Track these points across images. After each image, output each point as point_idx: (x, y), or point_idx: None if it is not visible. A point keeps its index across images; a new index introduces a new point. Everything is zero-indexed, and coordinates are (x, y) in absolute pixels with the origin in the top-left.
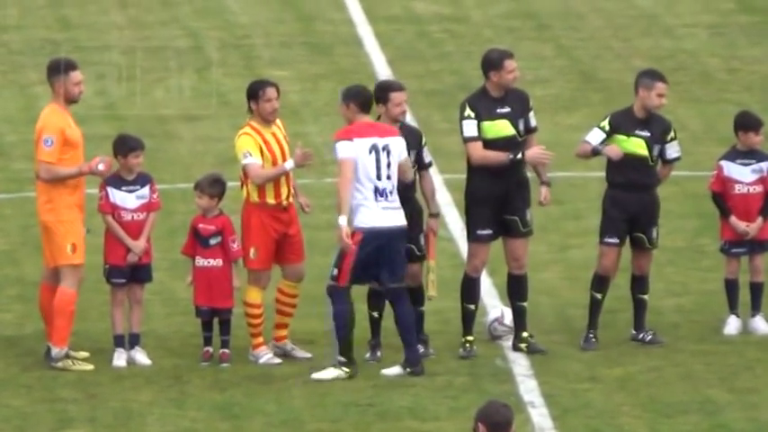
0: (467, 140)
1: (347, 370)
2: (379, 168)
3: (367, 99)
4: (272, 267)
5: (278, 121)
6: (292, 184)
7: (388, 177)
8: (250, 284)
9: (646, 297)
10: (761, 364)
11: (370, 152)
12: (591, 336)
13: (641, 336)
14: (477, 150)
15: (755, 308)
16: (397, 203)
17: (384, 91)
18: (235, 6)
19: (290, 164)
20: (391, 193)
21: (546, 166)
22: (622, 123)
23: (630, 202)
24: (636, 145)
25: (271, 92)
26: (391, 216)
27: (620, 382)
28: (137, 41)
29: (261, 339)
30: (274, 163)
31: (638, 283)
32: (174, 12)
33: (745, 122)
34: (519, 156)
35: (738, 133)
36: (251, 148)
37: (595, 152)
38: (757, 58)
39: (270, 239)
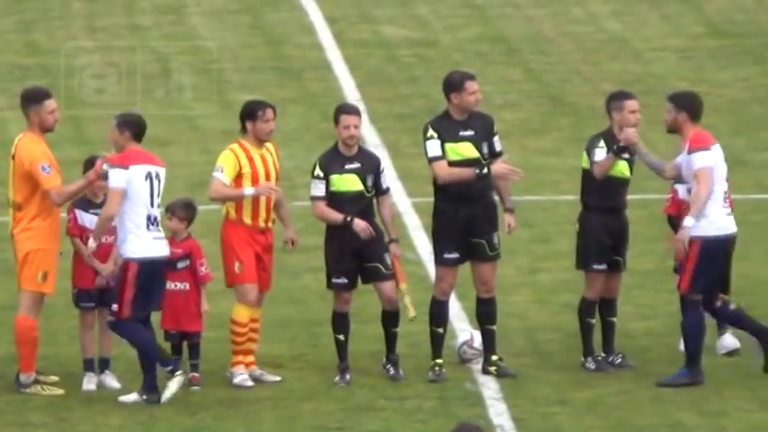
0: (432, 160)
1: (147, 396)
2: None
3: (141, 128)
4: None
5: (270, 145)
6: (282, 214)
7: (159, 206)
8: (238, 302)
9: (615, 320)
10: (730, 388)
11: (146, 179)
12: (597, 357)
13: (611, 359)
14: (443, 169)
15: (722, 327)
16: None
17: (336, 112)
18: (204, 31)
19: (249, 190)
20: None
21: (508, 190)
22: (609, 144)
23: (614, 225)
24: (622, 167)
25: (269, 112)
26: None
27: (590, 405)
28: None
29: (240, 358)
30: (255, 179)
31: (609, 306)
32: (142, 36)
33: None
34: (485, 170)
35: None
36: (226, 164)
37: (619, 151)
38: (725, 81)
39: (252, 253)
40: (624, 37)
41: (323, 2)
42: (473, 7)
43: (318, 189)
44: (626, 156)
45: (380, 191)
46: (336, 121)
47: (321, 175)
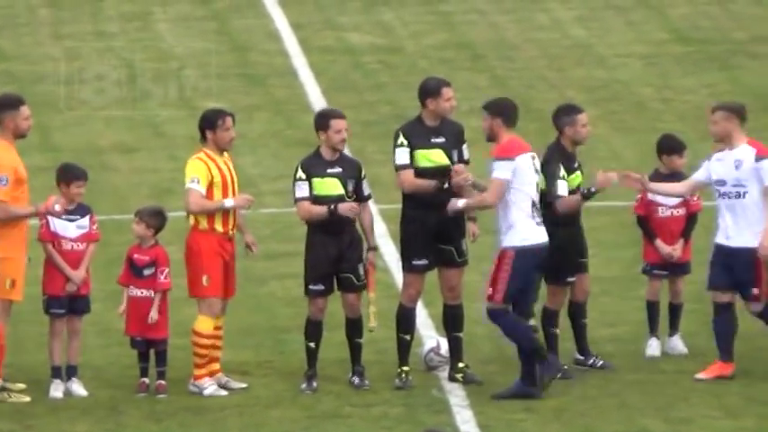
0: (398, 168)
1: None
2: None
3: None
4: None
5: (225, 153)
6: (239, 221)
7: None
8: (202, 313)
9: (587, 321)
10: (696, 394)
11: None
12: (563, 366)
13: (591, 361)
14: (408, 178)
15: (674, 328)
16: None
17: (324, 118)
18: (170, 38)
19: (229, 202)
20: None
21: (468, 191)
22: (564, 162)
23: (577, 233)
24: (578, 178)
25: (229, 121)
26: None
27: (556, 413)
28: (72, 73)
29: (205, 371)
30: (224, 188)
31: (580, 309)
32: (108, 43)
33: (669, 146)
34: (446, 185)
35: (662, 156)
36: (200, 174)
37: (587, 196)
38: (690, 87)
39: (220, 266)
40: (589, 43)
41: (288, 9)
42: (438, 14)
43: (302, 190)
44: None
45: (361, 197)
46: (325, 126)
47: (303, 176)
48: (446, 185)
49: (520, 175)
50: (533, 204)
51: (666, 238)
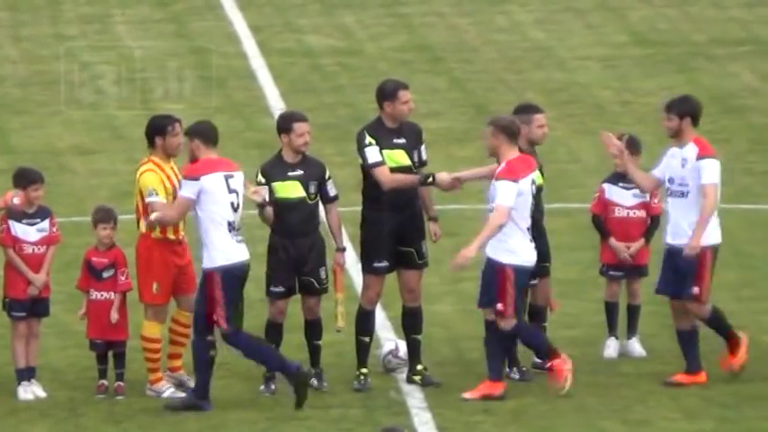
0: (374, 166)
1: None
2: None
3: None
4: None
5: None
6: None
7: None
8: (149, 319)
9: (546, 324)
10: (653, 396)
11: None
12: (521, 367)
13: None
14: (386, 174)
15: (632, 330)
16: None
17: (287, 121)
18: (129, 40)
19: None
20: None
21: (432, 199)
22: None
23: (541, 238)
24: (539, 179)
25: (178, 126)
26: None
27: (514, 415)
28: (30, 75)
29: (160, 374)
30: (175, 196)
31: (542, 312)
32: (67, 45)
33: (627, 146)
34: (430, 179)
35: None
36: (156, 185)
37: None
38: (650, 90)
39: (170, 274)
40: (548, 46)
41: (247, 11)
42: (397, 16)
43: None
44: None
45: (327, 199)
46: (287, 130)
47: (263, 181)
48: (429, 180)
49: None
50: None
51: (621, 240)
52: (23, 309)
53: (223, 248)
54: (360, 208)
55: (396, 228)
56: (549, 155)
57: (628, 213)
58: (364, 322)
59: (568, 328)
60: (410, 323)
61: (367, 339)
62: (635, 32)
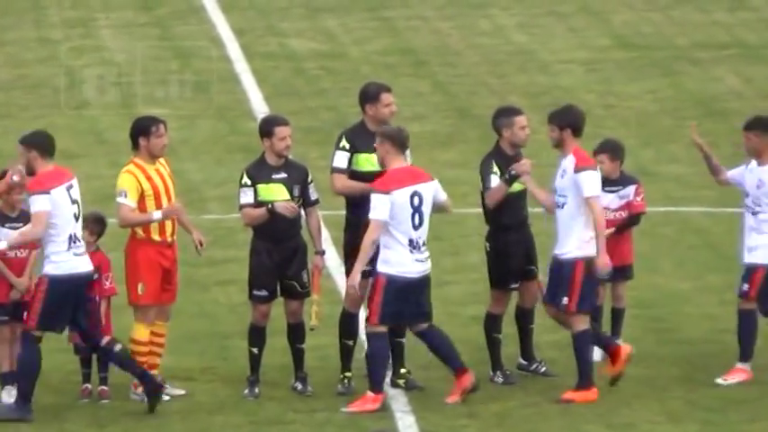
0: (333, 170)
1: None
2: None
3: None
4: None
5: (162, 159)
6: (186, 220)
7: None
8: (137, 321)
9: (533, 326)
10: (638, 400)
11: None
12: (505, 371)
13: (534, 366)
14: (340, 180)
15: (615, 333)
16: None
17: (269, 125)
18: (112, 44)
19: (157, 215)
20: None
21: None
22: (501, 165)
23: (523, 238)
24: (519, 182)
25: (162, 127)
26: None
27: (498, 418)
28: (14, 79)
29: None
30: (157, 197)
31: (528, 314)
32: (51, 49)
33: (606, 149)
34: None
35: (598, 155)
36: (129, 188)
37: (510, 179)
38: (633, 93)
39: (157, 274)
40: (531, 49)
41: (231, 15)
42: (381, 20)
43: (247, 196)
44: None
45: (308, 202)
46: (269, 134)
47: (249, 183)
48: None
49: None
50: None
51: (610, 243)
52: (6, 313)
53: (59, 260)
54: (344, 212)
55: None
56: (533, 158)
57: (614, 216)
58: (348, 325)
59: (553, 331)
60: (393, 327)
61: (351, 343)
62: (618, 36)
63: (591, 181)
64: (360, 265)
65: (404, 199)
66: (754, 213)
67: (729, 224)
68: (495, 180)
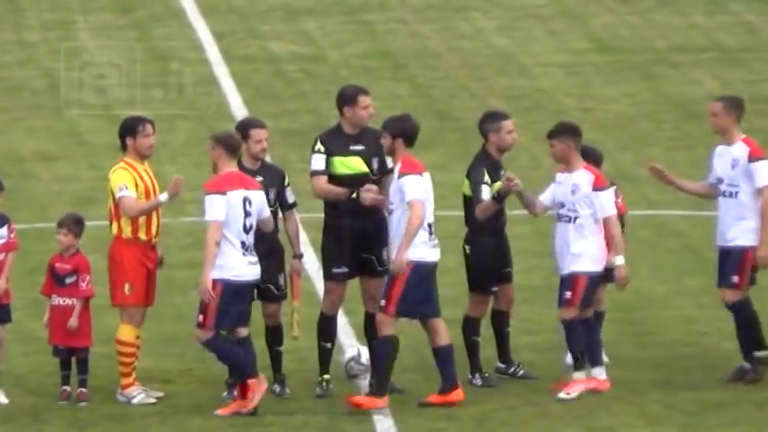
0: (312, 174)
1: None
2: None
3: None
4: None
5: (145, 162)
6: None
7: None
8: (124, 322)
9: (510, 329)
10: (617, 403)
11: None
12: (484, 373)
13: (512, 369)
14: (320, 183)
15: None
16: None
17: (244, 128)
18: (91, 47)
19: (164, 196)
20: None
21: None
22: (490, 171)
23: (500, 241)
24: (497, 185)
25: (149, 127)
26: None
27: (477, 421)
28: None
29: (131, 379)
30: (147, 196)
31: (505, 317)
32: (30, 52)
33: (587, 158)
34: (354, 195)
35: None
36: (127, 181)
37: (501, 198)
38: (612, 97)
39: (143, 275)
40: (511, 52)
41: (210, 18)
42: (360, 23)
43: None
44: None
45: (285, 205)
46: (245, 136)
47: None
48: (354, 195)
49: None
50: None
51: None
52: None
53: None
54: (321, 215)
55: (357, 234)
56: (512, 161)
57: None
58: (326, 328)
59: (531, 334)
60: (372, 329)
61: (329, 345)
62: (597, 39)
63: (413, 185)
64: (209, 268)
65: (237, 201)
66: (731, 195)
67: (708, 227)
68: (486, 192)
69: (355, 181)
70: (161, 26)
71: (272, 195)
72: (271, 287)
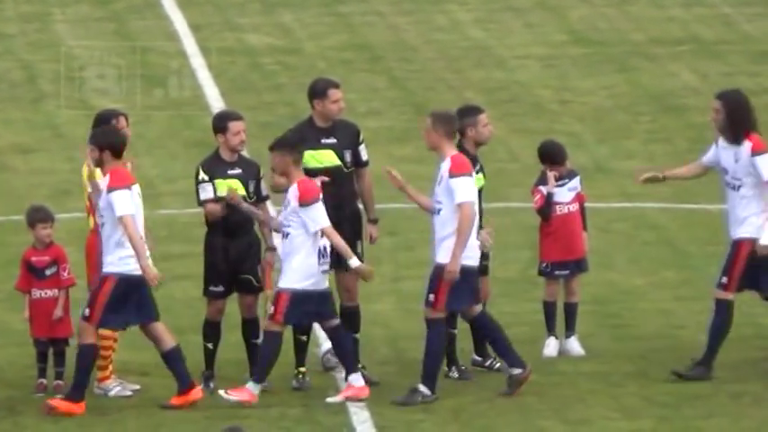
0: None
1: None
2: None
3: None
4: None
5: None
6: None
7: None
8: None
9: None
10: (593, 396)
11: None
12: (461, 366)
13: (489, 362)
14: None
15: (570, 329)
16: None
17: (222, 120)
18: (69, 39)
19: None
20: None
21: (373, 200)
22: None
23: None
24: (480, 180)
25: (123, 120)
26: None
27: (453, 413)
28: None
29: (108, 372)
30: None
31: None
32: (7, 44)
33: (552, 155)
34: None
35: (546, 165)
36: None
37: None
38: (589, 89)
39: None
40: (488, 45)
41: (187, 10)
42: (337, 15)
43: (206, 192)
44: None
45: (260, 198)
46: (223, 129)
47: (206, 178)
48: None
49: None
50: None
51: (568, 238)
52: None
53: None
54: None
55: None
56: (489, 154)
57: (568, 209)
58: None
59: (508, 326)
60: (348, 322)
61: (304, 338)
62: (574, 31)
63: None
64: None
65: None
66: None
67: (685, 220)
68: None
69: (328, 174)
70: (138, 18)
71: (251, 188)
72: (251, 278)
